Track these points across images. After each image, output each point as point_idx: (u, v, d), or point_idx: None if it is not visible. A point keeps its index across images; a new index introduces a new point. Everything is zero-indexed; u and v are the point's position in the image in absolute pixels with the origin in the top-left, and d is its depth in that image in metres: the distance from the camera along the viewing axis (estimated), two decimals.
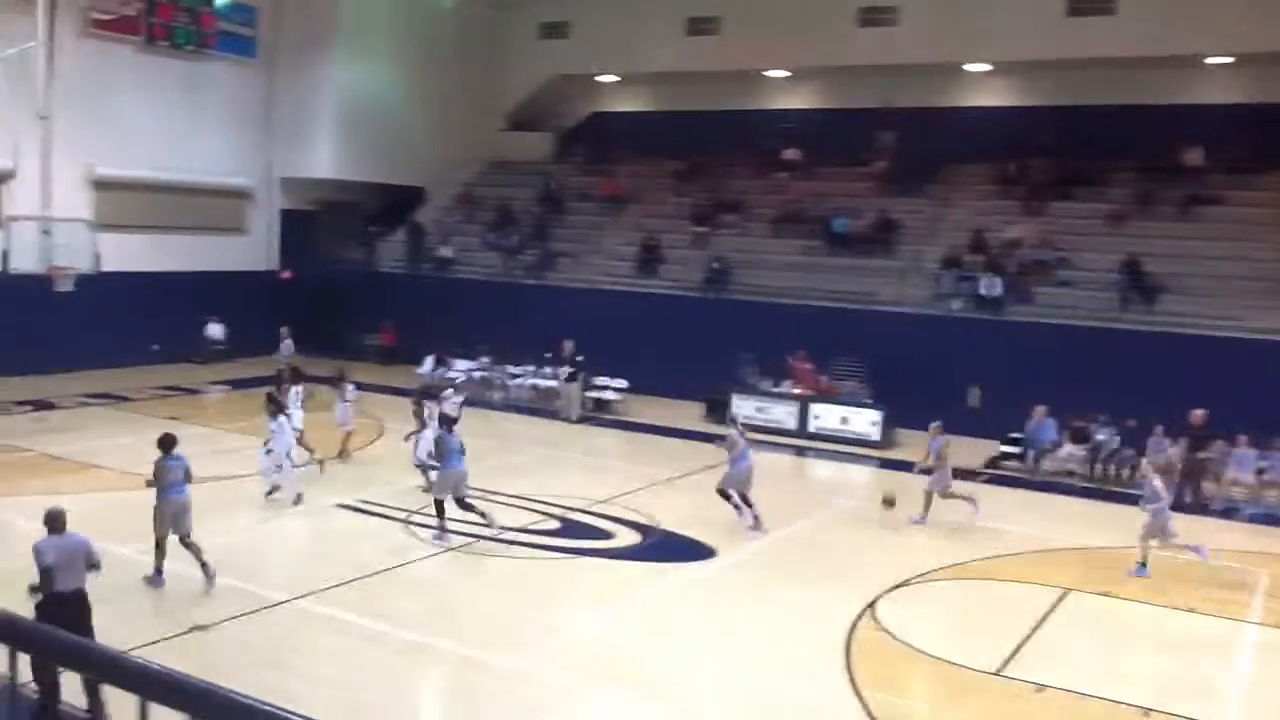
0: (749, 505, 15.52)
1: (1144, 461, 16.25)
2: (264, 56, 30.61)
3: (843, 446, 21.99)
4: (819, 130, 30.54)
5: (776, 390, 23.34)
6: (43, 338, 24.17)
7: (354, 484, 17.17)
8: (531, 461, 19.98)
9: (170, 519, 12.00)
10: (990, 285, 23.93)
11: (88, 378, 24.01)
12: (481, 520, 14.50)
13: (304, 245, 32.08)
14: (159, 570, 12.05)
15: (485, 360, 26.23)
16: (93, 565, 9.17)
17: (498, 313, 27.66)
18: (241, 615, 11.36)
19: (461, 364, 26.47)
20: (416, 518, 15.36)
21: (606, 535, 15.17)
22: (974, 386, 21.95)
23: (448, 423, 15.22)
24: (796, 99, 32.38)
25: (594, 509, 16.40)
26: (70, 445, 18.35)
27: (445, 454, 14.60)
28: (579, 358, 23.68)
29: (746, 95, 32.34)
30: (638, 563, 14.12)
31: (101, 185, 26.72)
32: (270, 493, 15.92)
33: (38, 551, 8.88)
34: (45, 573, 8.80)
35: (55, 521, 9.14)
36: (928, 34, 27.88)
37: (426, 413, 17.21)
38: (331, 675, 10.17)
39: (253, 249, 31.25)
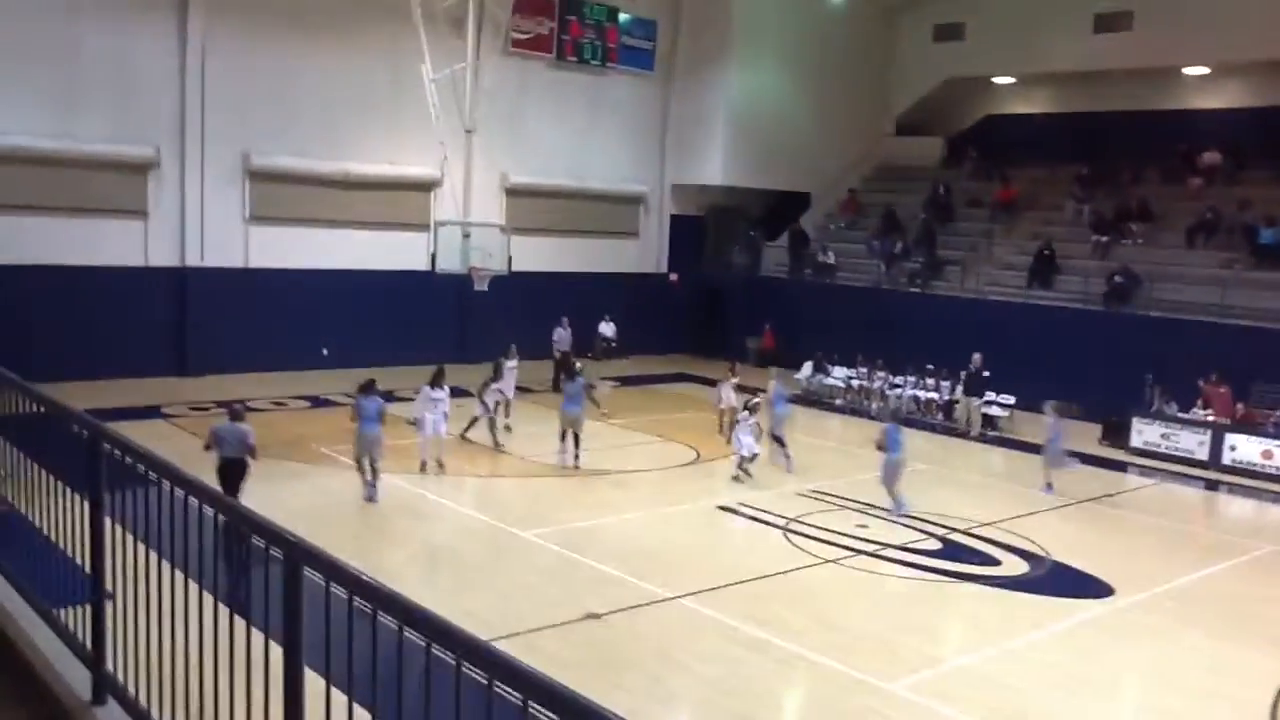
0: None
1: None
2: (660, 69, 31.98)
3: (1264, 483, 19.74)
4: (1244, 131, 27.65)
5: (1186, 416, 21.34)
6: (463, 330, 26.82)
7: (735, 487, 17.52)
8: (909, 475, 19.38)
9: (364, 447, 15.18)
10: None
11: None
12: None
13: (691, 249, 33.31)
14: (371, 485, 15.33)
15: (864, 369, 25.87)
16: (249, 448, 12.87)
17: (879, 321, 27.23)
18: (632, 607, 11.88)
19: (840, 370, 26.32)
20: (795, 525, 15.43)
21: (992, 561, 14.48)
22: None
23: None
24: (1217, 97, 29.49)
25: (977, 531, 15.72)
26: (482, 431, 19.87)
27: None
28: (985, 373, 22.80)
29: (1158, 94, 29.87)
30: (1027, 595, 13.32)
31: (513, 192, 29.18)
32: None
33: (211, 431, 13.12)
34: (210, 445, 12.87)
35: (232, 412, 13.27)
36: None
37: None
38: (712, 676, 10.35)
39: (644, 252, 32.81)
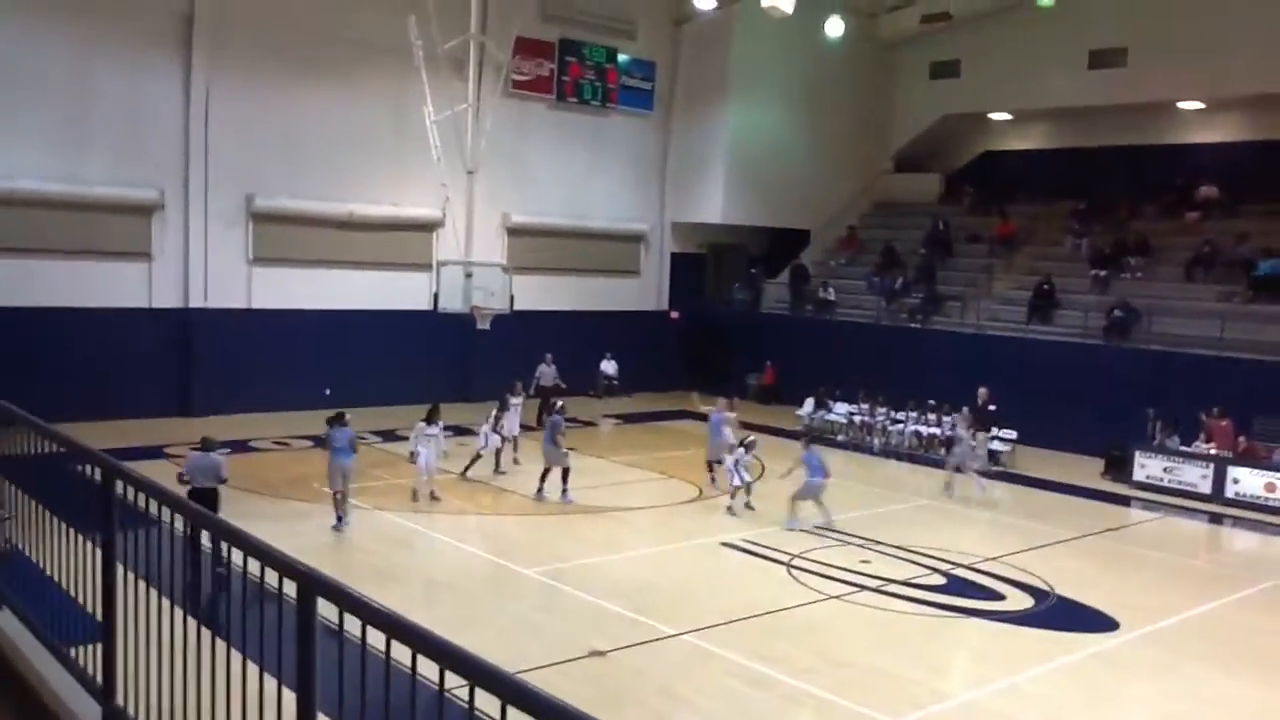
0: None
1: None
2: (660, 109, 32.28)
3: (1268, 516, 19.74)
4: (1240, 165, 27.83)
5: (1188, 450, 21.36)
6: (465, 369, 26.94)
7: (738, 524, 17.53)
8: (912, 511, 19.50)
9: (336, 477, 15.61)
10: None
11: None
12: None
13: (691, 286, 33.49)
14: (340, 518, 15.72)
15: (866, 405, 25.90)
16: (221, 479, 13.31)
17: (880, 356, 27.34)
18: (636, 645, 11.87)
19: (841, 407, 26.37)
20: (799, 561, 15.42)
21: (996, 596, 14.46)
22: None
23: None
24: (1213, 132, 29.69)
25: (981, 566, 15.71)
26: (483, 469, 19.96)
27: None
28: (992, 407, 22.78)
29: (1154, 129, 30.07)
30: (1031, 629, 13.30)
31: (514, 232, 29.37)
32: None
33: (187, 463, 13.57)
34: (184, 475, 13.23)
35: (204, 444, 13.62)
36: None
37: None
38: (716, 713, 10.35)
39: (644, 290, 32.95)
